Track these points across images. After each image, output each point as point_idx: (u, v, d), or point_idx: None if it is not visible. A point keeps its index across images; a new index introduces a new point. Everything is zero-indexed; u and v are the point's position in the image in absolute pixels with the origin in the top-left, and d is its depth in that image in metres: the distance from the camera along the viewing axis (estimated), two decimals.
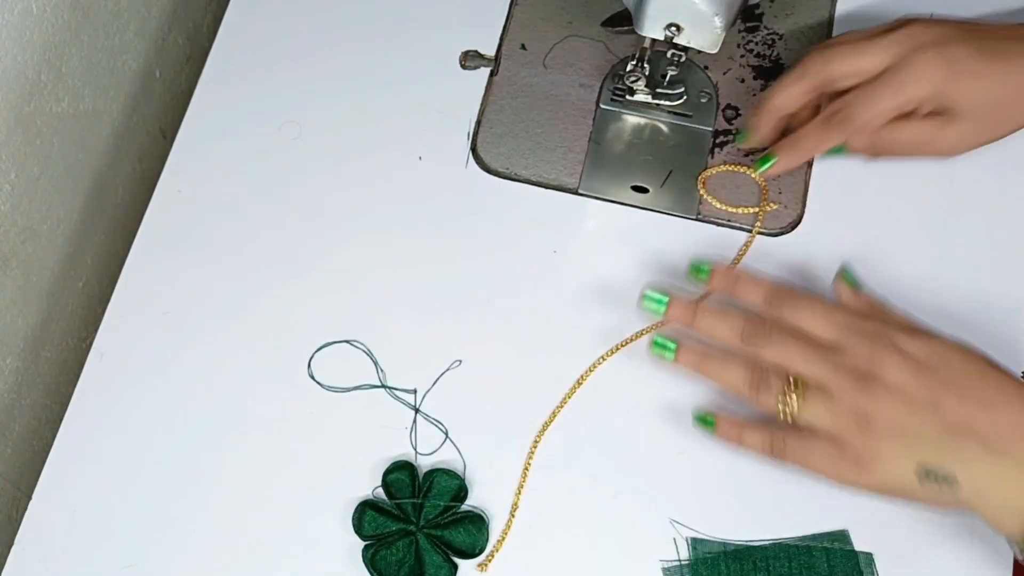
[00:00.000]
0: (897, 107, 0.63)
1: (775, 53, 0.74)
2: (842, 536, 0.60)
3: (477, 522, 0.60)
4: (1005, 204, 0.68)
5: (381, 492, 0.61)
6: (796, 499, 0.61)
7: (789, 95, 0.65)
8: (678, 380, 0.64)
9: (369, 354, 0.65)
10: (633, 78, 0.69)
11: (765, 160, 0.67)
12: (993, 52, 0.62)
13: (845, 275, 0.61)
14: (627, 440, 0.63)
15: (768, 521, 0.61)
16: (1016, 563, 0.59)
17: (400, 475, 0.61)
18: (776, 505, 0.61)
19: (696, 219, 0.68)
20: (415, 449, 0.62)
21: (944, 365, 0.54)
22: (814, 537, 0.60)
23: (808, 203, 0.69)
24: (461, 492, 0.60)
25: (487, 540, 0.60)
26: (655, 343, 0.60)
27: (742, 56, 0.73)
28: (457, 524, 0.60)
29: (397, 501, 0.60)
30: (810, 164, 0.70)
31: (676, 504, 0.61)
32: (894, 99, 0.62)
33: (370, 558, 0.59)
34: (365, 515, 0.60)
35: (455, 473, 0.61)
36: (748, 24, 0.75)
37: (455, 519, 0.60)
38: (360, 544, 0.60)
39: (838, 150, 0.65)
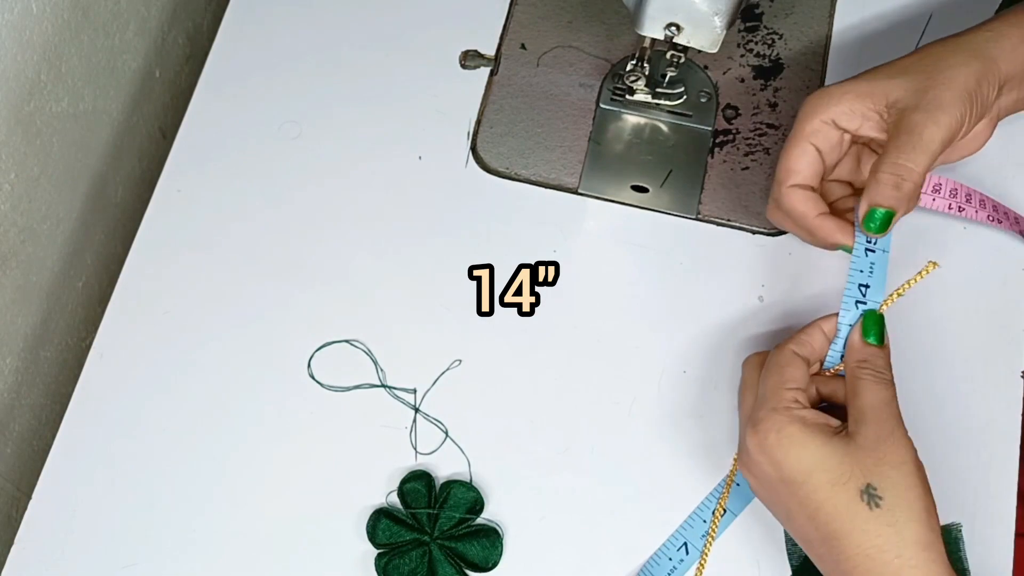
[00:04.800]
0: (805, 141, 0.60)
1: (775, 53, 0.74)
2: None
3: (492, 536, 0.59)
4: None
5: (395, 500, 0.61)
6: None
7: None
8: (685, 384, 0.64)
9: (369, 354, 0.65)
10: (633, 78, 0.69)
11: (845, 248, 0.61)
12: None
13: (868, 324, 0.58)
14: (629, 441, 0.63)
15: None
16: (1016, 563, 0.59)
17: (417, 484, 0.60)
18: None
19: (696, 219, 0.68)
20: (415, 448, 0.62)
21: None
22: None
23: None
24: (477, 505, 0.60)
25: (501, 555, 0.59)
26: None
27: (742, 56, 0.73)
28: (472, 537, 0.59)
29: (412, 511, 0.60)
30: None
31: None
32: (796, 137, 0.61)
33: (383, 567, 0.59)
34: (379, 523, 0.60)
35: (472, 485, 0.61)
36: (748, 24, 0.75)
37: (470, 532, 0.60)
38: (365, 551, 0.60)
39: (885, 215, 0.58)
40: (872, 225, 0.59)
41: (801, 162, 0.61)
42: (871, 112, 0.60)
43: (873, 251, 0.59)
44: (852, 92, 0.60)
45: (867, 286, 0.59)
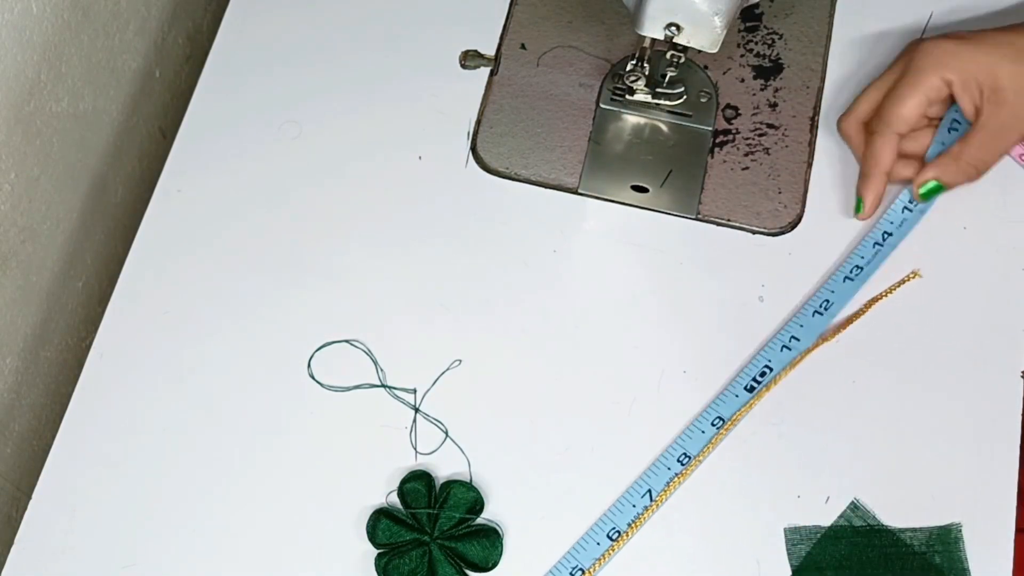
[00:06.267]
0: (923, 94, 0.64)
1: (775, 53, 0.74)
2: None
3: (492, 536, 0.59)
4: (1004, 204, 0.68)
5: (395, 499, 0.61)
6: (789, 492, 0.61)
7: (875, 159, 0.66)
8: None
9: (369, 354, 0.65)
10: (633, 78, 0.69)
11: (858, 206, 0.67)
12: (987, 31, 0.64)
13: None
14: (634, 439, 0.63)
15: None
16: (1016, 563, 0.59)
17: (417, 484, 0.60)
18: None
19: (696, 219, 0.68)
20: (415, 448, 0.62)
21: None
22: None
23: (808, 203, 0.69)
24: (477, 505, 0.60)
25: (500, 555, 0.59)
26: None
27: (742, 56, 0.73)
28: (472, 537, 0.59)
29: (412, 511, 0.60)
30: (809, 164, 0.70)
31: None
32: (916, 87, 0.64)
33: (383, 567, 0.59)
34: (379, 523, 0.59)
35: (471, 485, 0.61)
36: (748, 24, 0.75)
37: (470, 532, 0.60)
38: (365, 551, 0.60)
39: (938, 188, 0.65)
40: (926, 193, 0.65)
41: (915, 113, 0.65)
42: (976, 89, 0.63)
43: (881, 246, 0.66)
44: (976, 62, 0.63)
45: (860, 268, 0.65)
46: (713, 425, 0.62)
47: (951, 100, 0.65)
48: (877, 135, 0.66)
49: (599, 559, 0.59)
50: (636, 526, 0.60)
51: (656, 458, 0.62)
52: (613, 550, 0.59)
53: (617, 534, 0.59)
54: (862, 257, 0.66)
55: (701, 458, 0.61)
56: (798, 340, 0.64)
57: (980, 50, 0.63)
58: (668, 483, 0.60)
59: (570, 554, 0.59)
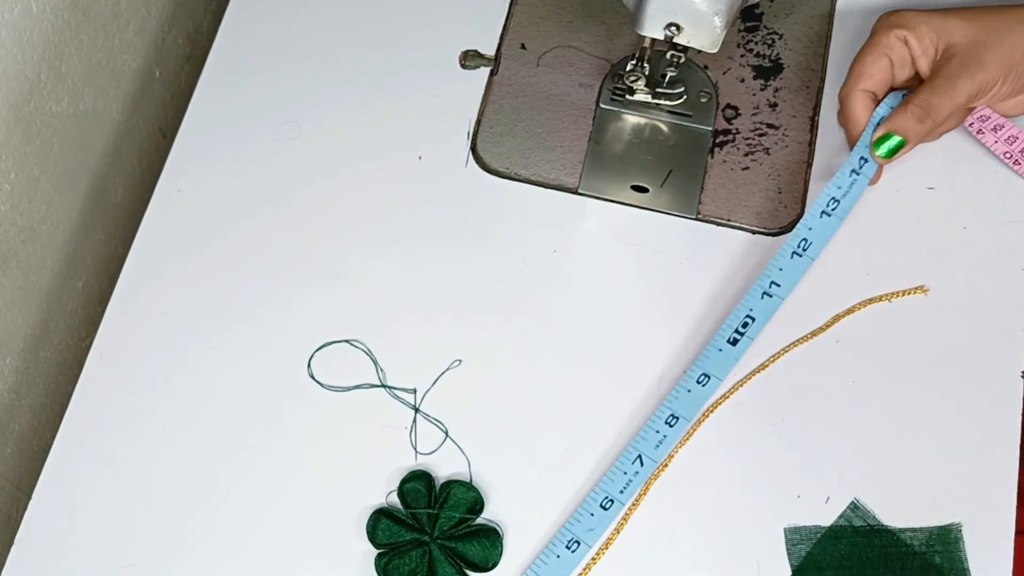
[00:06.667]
0: (880, 50, 0.66)
1: (775, 53, 0.74)
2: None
3: (492, 536, 0.59)
4: (1004, 204, 0.68)
5: (395, 499, 0.61)
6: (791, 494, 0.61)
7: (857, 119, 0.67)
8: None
9: (369, 354, 0.65)
10: (633, 78, 0.69)
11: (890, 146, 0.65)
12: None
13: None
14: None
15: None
16: (1016, 563, 0.59)
17: (417, 484, 0.60)
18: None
19: (696, 219, 0.68)
20: (415, 448, 0.62)
21: None
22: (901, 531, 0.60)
23: (808, 203, 0.69)
24: (477, 505, 0.60)
25: (501, 555, 0.59)
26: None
27: (742, 56, 0.73)
28: (472, 537, 0.59)
29: (412, 511, 0.60)
30: (809, 164, 0.70)
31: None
32: (871, 44, 0.66)
33: (383, 567, 0.59)
34: (379, 523, 0.59)
35: (471, 485, 0.61)
36: (748, 24, 0.75)
37: (470, 532, 0.60)
38: (365, 551, 0.60)
39: (896, 145, 0.64)
40: (882, 150, 0.64)
41: (874, 68, 0.66)
42: (931, 48, 0.65)
43: (858, 174, 0.64)
44: (927, 23, 0.65)
45: (838, 201, 0.64)
46: (699, 383, 0.61)
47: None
48: (845, 96, 0.67)
49: (592, 529, 0.59)
50: (644, 494, 0.59)
51: (644, 422, 0.62)
52: (620, 529, 0.59)
53: (610, 503, 0.59)
54: (839, 188, 0.64)
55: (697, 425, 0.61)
56: (779, 286, 0.62)
57: (934, 13, 0.65)
58: (657, 446, 0.60)
59: (565, 527, 0.59)
